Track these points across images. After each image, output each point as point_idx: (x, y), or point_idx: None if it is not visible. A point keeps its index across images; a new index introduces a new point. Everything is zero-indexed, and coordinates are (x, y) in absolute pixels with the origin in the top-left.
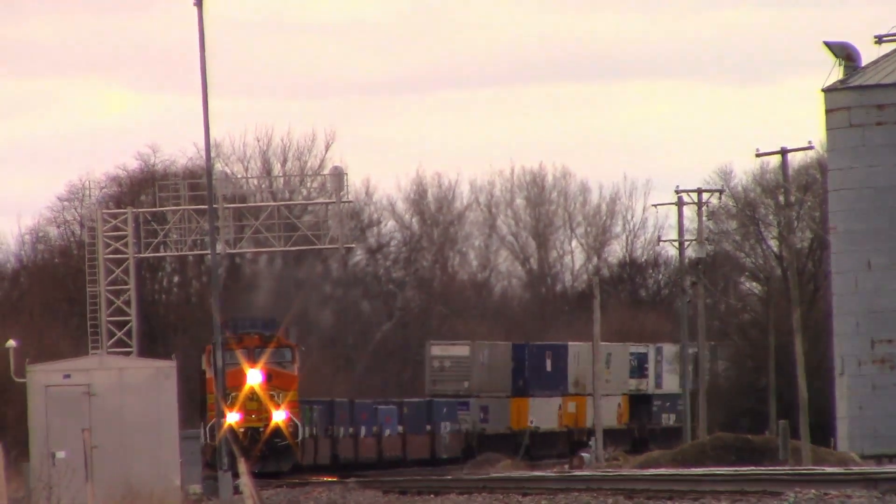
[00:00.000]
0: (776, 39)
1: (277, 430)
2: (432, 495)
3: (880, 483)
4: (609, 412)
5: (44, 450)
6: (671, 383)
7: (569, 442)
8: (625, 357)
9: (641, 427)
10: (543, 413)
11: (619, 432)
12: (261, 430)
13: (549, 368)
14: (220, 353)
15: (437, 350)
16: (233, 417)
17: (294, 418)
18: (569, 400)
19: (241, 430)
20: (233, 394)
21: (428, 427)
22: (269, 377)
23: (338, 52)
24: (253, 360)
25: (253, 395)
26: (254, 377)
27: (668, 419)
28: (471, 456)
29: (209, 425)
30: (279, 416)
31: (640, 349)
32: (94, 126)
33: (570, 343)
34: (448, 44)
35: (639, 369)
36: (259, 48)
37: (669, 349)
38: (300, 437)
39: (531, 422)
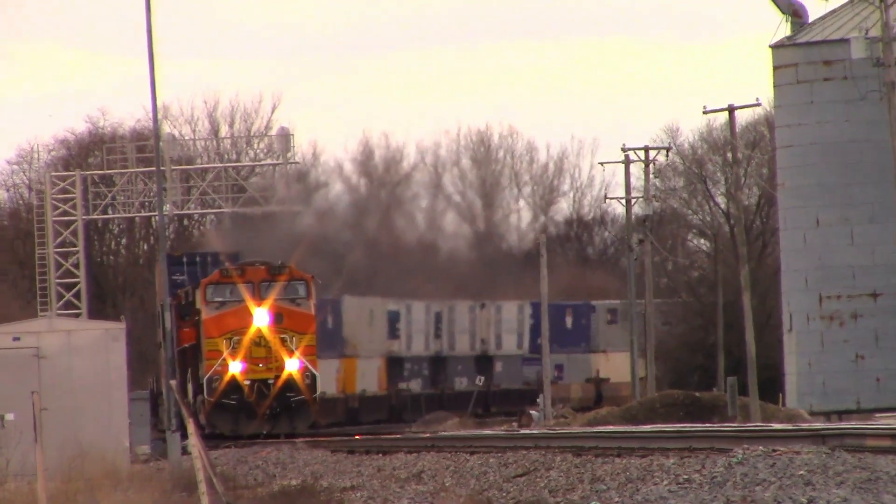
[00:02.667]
0: None
1: (290, 383)
2: (381, 454)
3: (829, 439)
4: (370, 376)
5: None
6: (418, 344)
7: (346, 410)
8: (383, 315)
9: (397, 393)
10: (328, 377)
11: (379, 399)
12: (270, 382)
13: (330, 326)
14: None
15: None
16: (235, 367)
17: (311, 367)
18: (343, 362)
19: (246, 382)
20: (234, 338)
21: None
22: (280, 317)
23: (285, 14)
24: (259, 297)
25: (260, 340)
26: (261, 317)
27: (417, 385)
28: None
29: (207, 377)
30: (292, 366)
31: (393, 307)
32: (43, 89)
33: (345, 296)
34: (395, 4)
35: (391, 330)
36: (207, 9)
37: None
38: (318, 391)
39: (479, 379)
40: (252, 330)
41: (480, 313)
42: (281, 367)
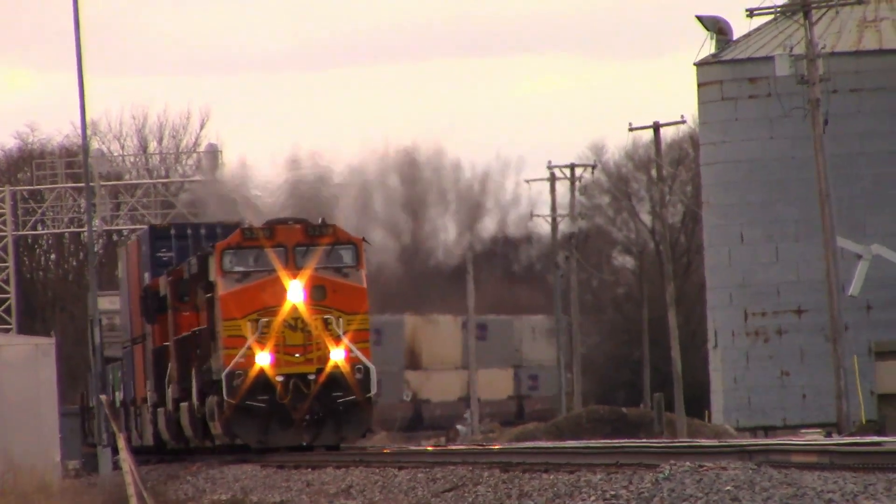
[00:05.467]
0: (650, 13)
1: (337, 378)
2: (310, 469)
3: (755, 455)
4: None
5: None
6: None
7: None
8: None
9: None
10: None
11: None
12: (310, 378)
13: None
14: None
15: (105, 303)
16: (264, 358)
17: (363, 358)
18: None
19: (279, 378)
20: (262, 320)
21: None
22: (322, 292)
23: (214, 30)
24: (294, 265)
25: (296, 322)
26: (296, 292)
27: None
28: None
29: (227, 371)
30: (338, 356)
31: None
32: None
33: None
34: (324, 21)
35: None
36: (135, 24)
37: None
38: (374, 389)
39: (406, 395)
40: (286, 308)
41: None
42: (324, 358)
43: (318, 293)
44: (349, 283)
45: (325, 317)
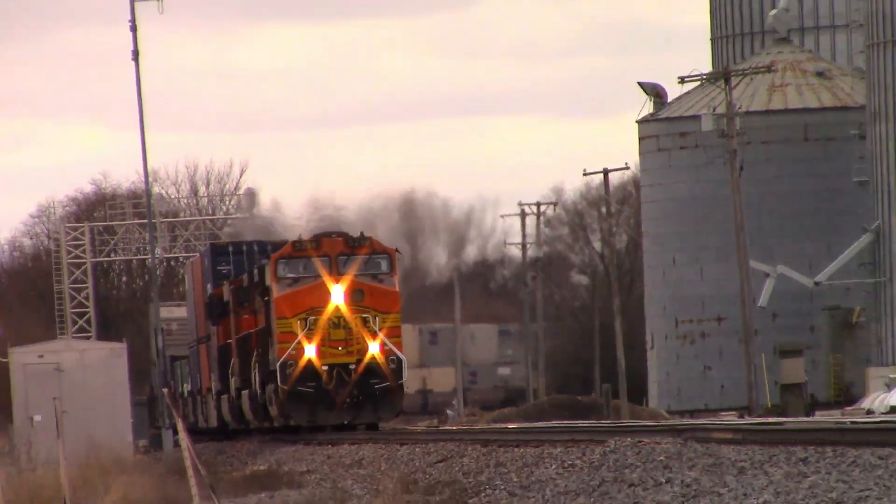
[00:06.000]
0: (601, 81)
1: (373, 367)
2: (329, 446)
3: (683, 432)
4: None
5: (24, 415)
6: None
7: None
8: None
9: None
10: None
11: None
12: (351, 367)
13: None
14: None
15: (164, 313)
16: (311, 350)
17: (396, 350)
18: None
19: (324, 367)
20: (310, 318)
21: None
22: (361, 294)
23: (254, 97)
24: (337, 272)
25: (338, 320)
26: (338, 295)
27: None
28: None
29: (280, 362)
30: (375, 348)
31: None
32: (58, 157)
33: None
34: (343, 90)
35: None
36: (189, 91)
37: None
38: (405, 377)
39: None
40: (329, 309)
41: None
42: (363, 351)
43: (358, 295)
44: (384, 287)
45: (364, 315)
